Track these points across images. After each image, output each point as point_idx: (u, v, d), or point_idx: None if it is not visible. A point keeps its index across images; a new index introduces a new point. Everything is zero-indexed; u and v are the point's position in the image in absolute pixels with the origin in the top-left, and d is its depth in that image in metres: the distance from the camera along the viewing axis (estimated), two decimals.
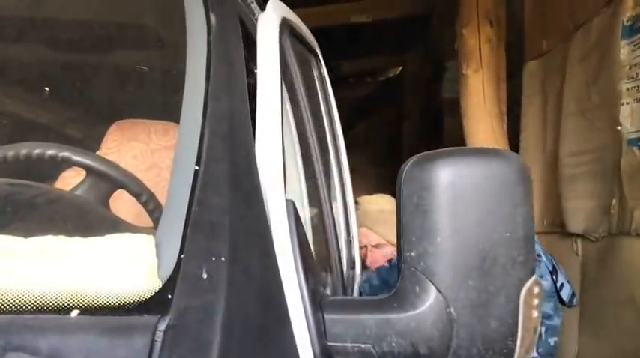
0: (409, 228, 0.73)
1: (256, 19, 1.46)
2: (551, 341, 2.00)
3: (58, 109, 1.98)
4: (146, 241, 0.64)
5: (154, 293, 0.59)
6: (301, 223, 0.85)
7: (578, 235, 2.35)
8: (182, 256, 0.63)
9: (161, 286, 0.60)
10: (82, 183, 1.08)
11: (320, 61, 1.87)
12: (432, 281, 0.71)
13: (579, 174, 2.32)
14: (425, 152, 0.75)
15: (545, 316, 1.98)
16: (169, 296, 0.59)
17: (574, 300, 2.03)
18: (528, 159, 2.92)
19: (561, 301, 2.00)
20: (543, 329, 1.98)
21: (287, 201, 0.83)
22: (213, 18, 1.03)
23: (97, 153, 1.77)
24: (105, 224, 0.83)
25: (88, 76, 1.93)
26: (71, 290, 0.56)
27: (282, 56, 1.03)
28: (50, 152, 1.02)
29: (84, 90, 1.95)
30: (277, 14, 1.14)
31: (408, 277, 0.73)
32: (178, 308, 0.58)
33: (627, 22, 2.01)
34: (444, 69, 4.53)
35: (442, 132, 4.96)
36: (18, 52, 1.70)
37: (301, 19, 1.59)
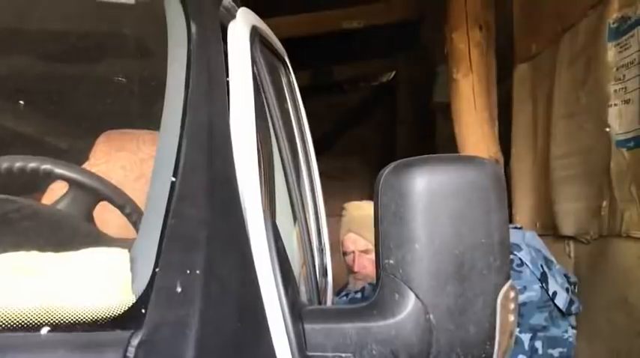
0: (387, 235, 0.73)
1: None
2: (555, 352, 1.96)
3: (46, 121, 1.97)
4: (120, 255, 0.64)
5: (127, 308, 0.59)
6: (279, 234, 0.84)
7: (570, 237, 2.35)
8: (157, 270, 0.63)
9: (135, 301, 0.59)
10: (64, 195, 1.07)
11: (289, 69, 1.88)
12: (410, 288, 0.71)
13: (569, 176, 2.33)
14: (402, 159, 0.76)
15: (539, 328, 1.95)
16: (143, 311, 0.59)
17: (573, 308, 1.99)
18: (520, 163, 2.92)
19: (559, 310, 1.97)
20: (540, 343, 1.95)
21: (264, 211, 0.82)
22: (193, 27, 1.03)
23: (86, 163, 1.76)
24: (83, 238, 0.82)
25: (75, 86, 1.92)
26: (41, 307, 0.56)
27: (254, 64, 1.03)
28: (32, 165, 1.02)
29: (72, 101, 1.94)
30: (247, 22, 1.14)
31: (387, 284, 0.73)
32: (152, 322, 0.58)
33: (613, 23, 2.01)
34: (436, 73, 4.54)
35: (435, 136, 4.97)
36: (4, 64, 1.70)
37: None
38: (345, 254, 2.38)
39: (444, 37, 3.04)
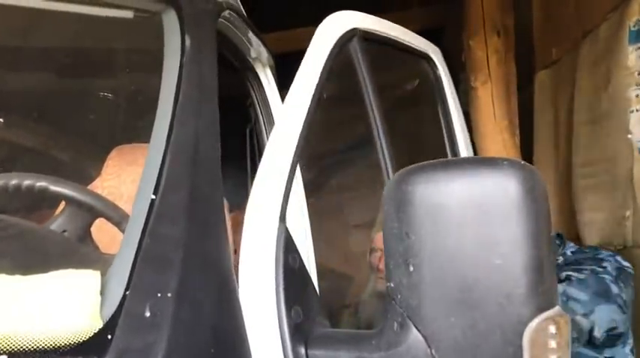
0: (389, 253, 0.67)
1: (250, 37, 1.44)
2: None
3: (57, 136, 1.99)
4: (91, 278, 0.62)
5: (92, 334, 0.56)
6: (294, 248, 0.81)
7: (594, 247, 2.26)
8: (127, 293, 0.60)
9: (101, 326, 0.57)
10: (61, 213, 1.06)
11: (435, 65, 1.72)
12: (409, 317, 0.63)
13: (592, 185, 2.25)
14: (409, 166, 0.68)
15: None
16: (109, 337, 0.56)
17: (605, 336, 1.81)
18: (542, 171, 2.84)
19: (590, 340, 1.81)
20: None
21: (280, 225, 0.79)
22: (187, 40, 1.02)
23: (98, 178, 1.76)
24: (66, 257, 0.81)
25: (86, 102, 1.93)
26: (1, 334, 0.54)
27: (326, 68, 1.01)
28: (27, 183, 1.01)
29: (84, 116, 1.95)
30: (338, 26, 1.10)
31: (389, 311, 0.66)
32: (118, 349, 0.55)
33: (634, 26, 1.94)
34: (458, 81, 4.47)
35: None
36: (13, 80, 1.72)
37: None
38: (371, 251, 2.30)
39: (462, 45, 2.99)
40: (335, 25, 1.14)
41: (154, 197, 0.71)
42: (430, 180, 0.63)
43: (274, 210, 0.81)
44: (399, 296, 0.64)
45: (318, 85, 1.02)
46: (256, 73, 1.62)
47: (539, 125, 2.92)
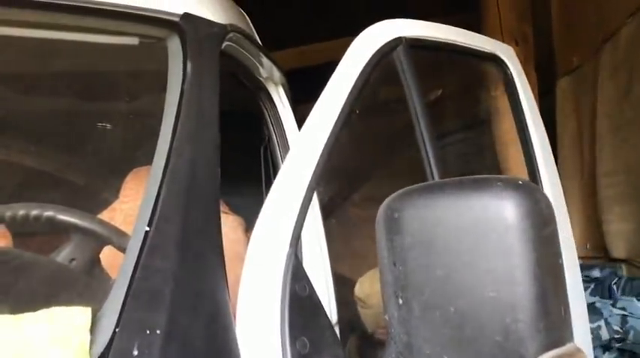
0: (382, 284, 0.65)
1: (260, 57, 1.44)
2: None
3: (72, 161, 2.01)
4: (81, 315, 0.61)
5: None
6: (303, 275, 0.78)
7: (622, 260, 2.19)
8: (117, 330, 0.59)
9: None
10: (68, 242, 1.07)
11: (506, 66, 1.60)
12: (401, 354, 0.60)
13: (617, 194, 2.18)
14: (405, 188, 0.65)
15: None
16: None
17: None
18: (567, 180, 2.77)
19: None
20: None
21: (289, 251, 0.78)
22: (189, 66, 1.01)
23: (116, 202, 1.77)
24: (67, 291, 0.80)
25: (102, 126, 1.95)
26: None
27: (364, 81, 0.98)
28: (34, 212, 1.02)
29: (99, 140, 1.97)
30: (377, 36, 1.08)
31: (387, 346, 0.62)
32: None
33: None
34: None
35: None
36: (24, 105, 1.74)
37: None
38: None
39: None
40: (373, 36, 1.10)
41: (147, 229, 0.71)
42: (417, 205, 0.60)
43: (284, 235, 0.79)
44: (392, 331, 0.61)
45: (347, 101, 0.97)
46: (268, 92, 1.62)
47: (561, 134, 2.86)
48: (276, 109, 1.61)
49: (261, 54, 1.46)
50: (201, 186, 0.81)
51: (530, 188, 0.59)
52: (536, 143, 1.46)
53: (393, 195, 0.65)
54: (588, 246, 2.53)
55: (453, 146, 2.16)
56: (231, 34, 1.26)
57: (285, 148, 1.52)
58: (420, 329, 0.60)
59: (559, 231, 1.49)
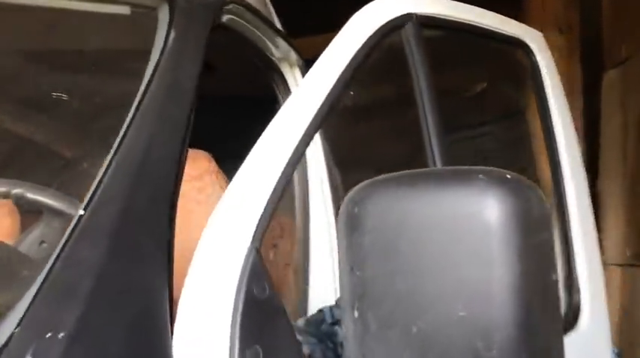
0: (340, 289, 0.56)
1: (272, 35, 1.34)
2: None
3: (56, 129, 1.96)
4: None
5: None
6: (264, 276, 0.69)
7: None
8: (15, 331, 0.51)
9: None
10: (39, 221, 1.00)
11: (532, 53, 1.43)
12: None
13: None
14: (371, 179, 0.54)
15: None
16: None
17: None
18: (609, 181, 2.58)
19: None
20: None
21: (250, 248, 0.68)
22: (172, 36, 0.93)
23: None
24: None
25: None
26: None
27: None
28: (2, 190, 0.96)
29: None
30: (379, 12, 0.96)
31: None
32: None
33: None
34: None
35: None
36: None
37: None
38: None
39: None
40: (377, 11, 0.97)
41: (82, 213, 0.62)
42: (381, 199, 0.50)
43: (245, 227, 0.69)
44: (347, 348, 0.51)
45: (334, 87, 0.85)
46: (282, 74, 1.52)
47: (606, 130, 2.66)
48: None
49: (273, 32, 1.36)
50: (156, 169, 0.72)
51: (520, 183, 0.48)
52: (561, 142, 1.31)
53: (357, 187, 0.54)
54: (628, 253, 2.35)
55: (474, 141, 2.01)
56: (230, 6, 1.16)
57: None
58: (375, 350, 0.49)
59: (582, 240, 1.34)
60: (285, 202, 1.24)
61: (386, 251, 0.50)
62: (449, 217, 0.48)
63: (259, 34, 1.32)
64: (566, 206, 1.26)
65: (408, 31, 1.01)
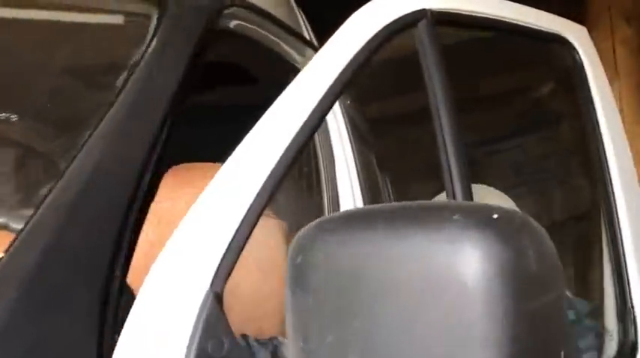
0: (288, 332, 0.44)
1: (289, 39, 1.24)
2: None
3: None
4: None
5: None
6: (224, 328, 0.57)
7: None
8: None
9: None
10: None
11: (576, 51, 1.28)
12: None
13: None
14: (320, 218, 0.45)
15: None
16: None
17: None
18: None
19: None
20: None
21: (206, 295, 0.56)
22: (154, 44, 0.89)
23: (153, 204, 1.68)
24: None
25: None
26: None
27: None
28: None
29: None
30: (394, 8, 0.82)
31: None
32: None
33: None
34: None
35: None
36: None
37: None
38: None
39: None
40: (386, 6, 0.86)
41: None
42: (328, 246, 0.39)
43: (203, 268, 0.57)
44: None
45: (329, 90, 0.73)
46: None
47: None
48: None
49: (292, 36, 1.25)
50: (106, 195, 0.62)
51: (510, 225, 0.34)
52: (610, 151, 1.14)
53: (304, 228, 0.41)
54: None
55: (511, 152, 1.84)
56: (232, 10, 1.07)
57: (328, 143, 1.31)
58: None
59: (637, 263, 1.16)
60: None
61: (335, 315, 0.38)
62: (415, 272, 0.36)
63: (274, 38, 1.22)
64: (617, 224, 1.10)
65: (422, 29, 0.87)
